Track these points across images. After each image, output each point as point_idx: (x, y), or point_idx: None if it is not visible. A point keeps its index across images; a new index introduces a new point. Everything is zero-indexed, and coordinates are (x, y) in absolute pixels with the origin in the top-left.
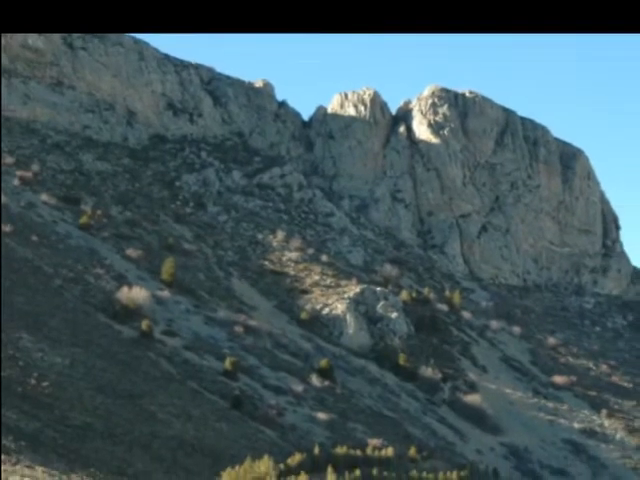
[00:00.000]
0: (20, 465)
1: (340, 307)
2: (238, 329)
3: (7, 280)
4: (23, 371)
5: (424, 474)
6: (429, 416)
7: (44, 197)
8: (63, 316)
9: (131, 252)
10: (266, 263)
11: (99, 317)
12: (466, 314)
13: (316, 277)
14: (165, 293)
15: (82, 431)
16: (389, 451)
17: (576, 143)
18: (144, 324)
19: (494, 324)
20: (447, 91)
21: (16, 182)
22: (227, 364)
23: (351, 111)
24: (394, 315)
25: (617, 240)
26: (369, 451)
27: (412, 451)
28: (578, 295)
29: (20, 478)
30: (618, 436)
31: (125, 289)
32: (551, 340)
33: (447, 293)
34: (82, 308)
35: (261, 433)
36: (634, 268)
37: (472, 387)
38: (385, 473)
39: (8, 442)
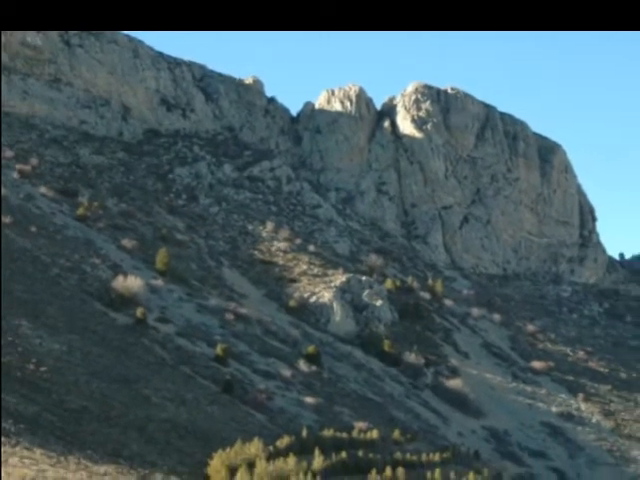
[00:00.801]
0: (19, 447)
1: (327, 295)
2: (229, 317)
3: (7, 269)
4: (22, 357)
5: (408, 456)
6: (413, 400)
7: (42, 189)
8: (60, 304)
9: (126, 242)
10: (256, 253)
11: (95, 305)
12: (448, 302)
13: (304, 266)
14: (159, 282)
15: (79, 414)
16: (374, 433)
17: (554, 137)
18: (138, 312)
19: (475, 312)
20: (430, 88)
21: (15, 175)
22: (218, 350)
23: (337, 107)
24: (379, 303)
25: (593, 231)
26: (355, 434)
27: (396, 434)
28: (556, 284)
29: (19, 459)
30: (594, 419)
31: (120, 278)
32: (530, 327)
33: (430, 282)
34: (79, 296)
35: (251, 416)
36: (609, 258)
37: (454, 372)
38: (370, 455)
39: (8, 425)
